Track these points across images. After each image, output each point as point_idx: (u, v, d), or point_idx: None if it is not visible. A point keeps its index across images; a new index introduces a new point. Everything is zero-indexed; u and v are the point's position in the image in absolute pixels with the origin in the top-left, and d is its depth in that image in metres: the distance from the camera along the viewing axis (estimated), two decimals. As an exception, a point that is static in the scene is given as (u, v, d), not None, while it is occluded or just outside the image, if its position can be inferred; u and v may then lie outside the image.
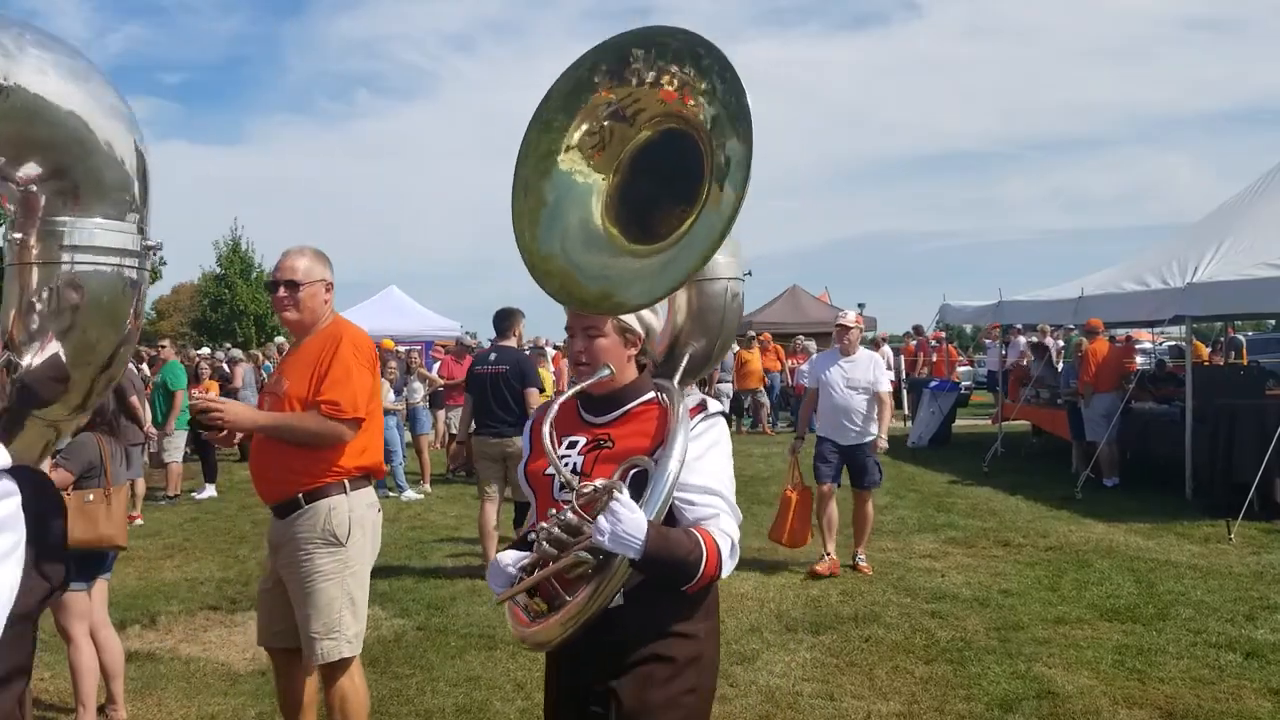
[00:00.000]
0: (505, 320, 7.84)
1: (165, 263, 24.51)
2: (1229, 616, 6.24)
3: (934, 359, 19.60)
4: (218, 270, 34.05)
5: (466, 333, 18.87)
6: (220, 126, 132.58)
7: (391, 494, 11.51)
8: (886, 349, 19.09)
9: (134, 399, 9.59)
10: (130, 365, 11.48)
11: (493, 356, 7.72)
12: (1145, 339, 19.61)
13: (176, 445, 11.67)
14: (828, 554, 7.61)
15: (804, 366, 13.46)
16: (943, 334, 19.68)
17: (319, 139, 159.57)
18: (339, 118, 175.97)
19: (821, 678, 5.29)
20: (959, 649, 5.71)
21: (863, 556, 7.72)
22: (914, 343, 21.50)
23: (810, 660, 5.57)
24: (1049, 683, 5.13)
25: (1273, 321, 24.81)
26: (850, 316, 7.90)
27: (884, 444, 7.62)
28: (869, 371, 7.54)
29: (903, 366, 21.49)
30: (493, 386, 7.54)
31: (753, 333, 19.30)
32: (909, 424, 17.25)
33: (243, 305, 31.69)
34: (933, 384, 16.94)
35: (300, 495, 3.65)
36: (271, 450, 3.68)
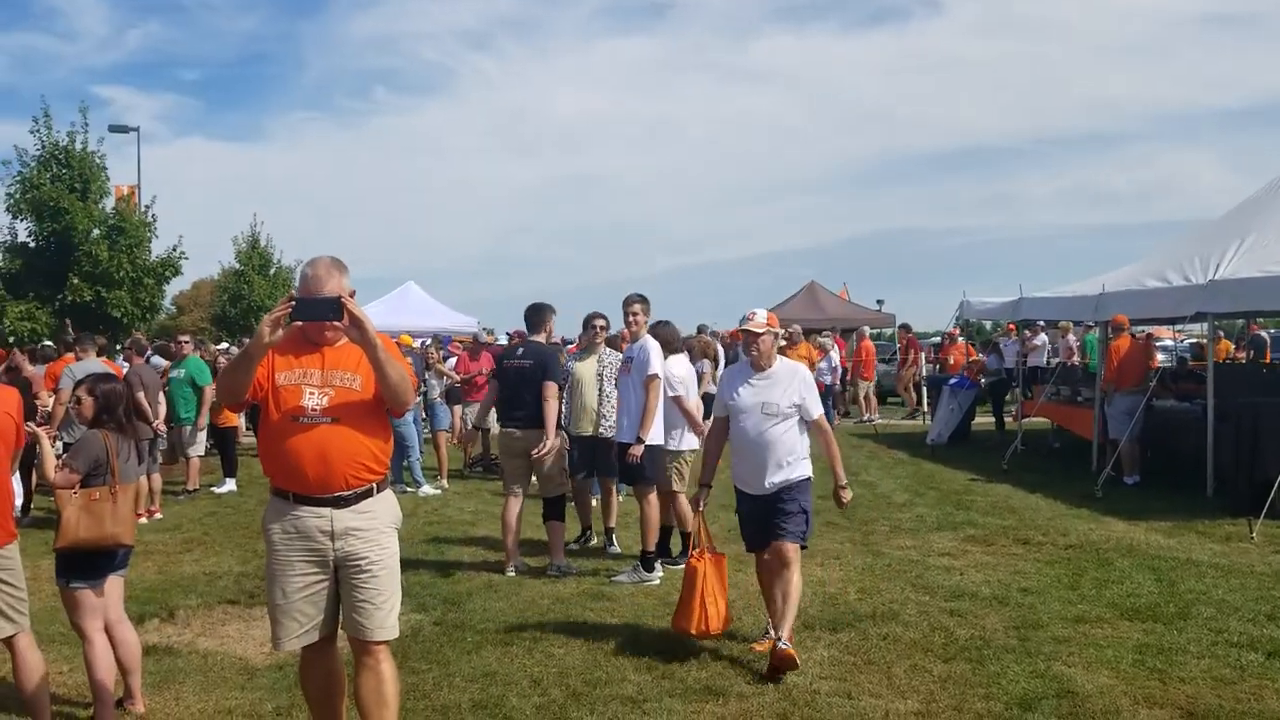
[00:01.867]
0: (536, 316, 7.86)
1: (186, 257, 24.66)
2: (1251, 616, 6.19)
3: (950, 359, 19.57)
4: (237, 266, 34.22)
5: (483, 328, 18.86)
6: (239, 123, 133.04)
7: (409, 489, 11.53)
8: (826, 343, 18.88)
9: (141, 395, 9.68)
10: (145, 360, 11.54)
11: (520, 351, 7.77)
12: (1166, 336, 19.49)
13: (197, 440, 11.71)
14: (772, 627, 5.53)
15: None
16: (958, 331, 19.61)
17: (337, 135, 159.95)
18: (357, 114, 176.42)
19: (839, 676, 5.26)
20: (978, 647, 5.67)
21: (787, 640, 5.30)
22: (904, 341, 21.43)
23: (828, 658, 5.54)
24: (1069, 682, 5.09)
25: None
26: (760, 317, 5.56)
27: (846, 494, 5.62)
28: (791, 390, 5.50)
29: (923, 364, 21.49)
30: (518, 381, 7.60)
31: (796, 327, 19.18)
32: (927, 421, 17.22)
33: (260, 301, 31.76)
34: (952, 381, 16.89)
35: (374, 485, 3.82)
36: (340, 440, 3.71)
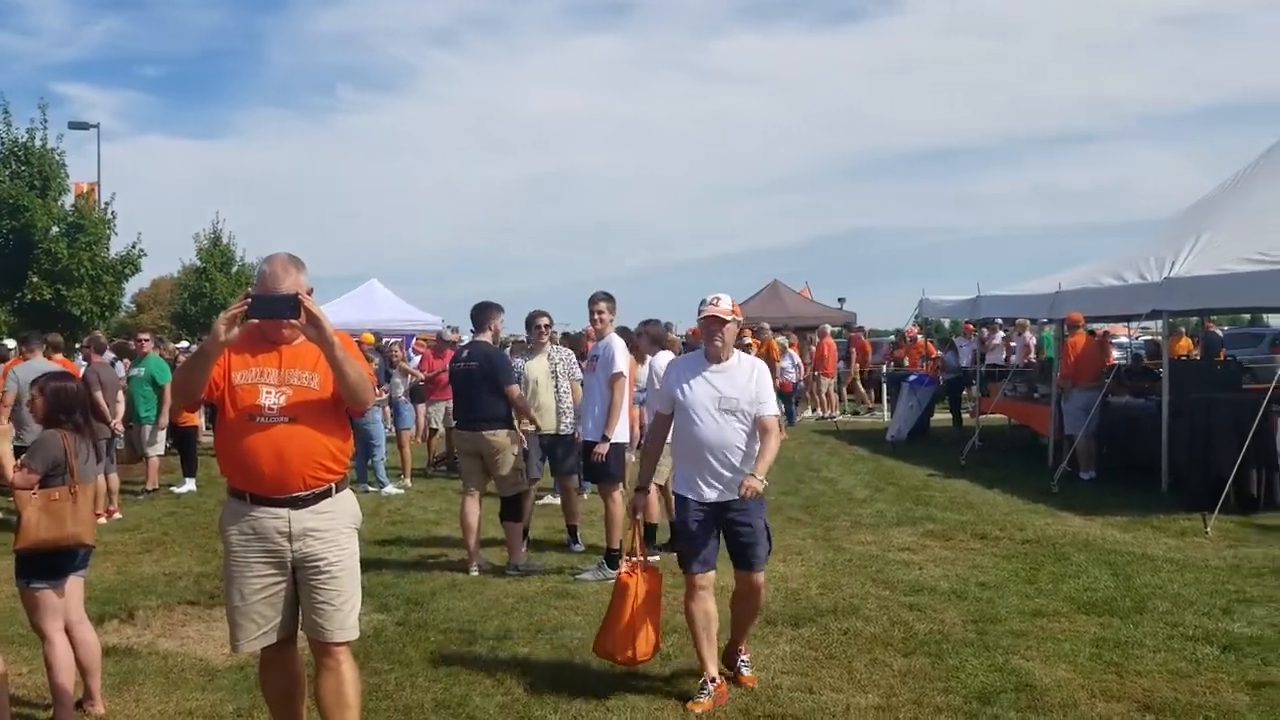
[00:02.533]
0: (481, 315, 7.85)
1: (145, 255, 24.40)
2: (1206, 610, 6.29)
3: (905, 358, 19.83)
4: (198, 264, 33.88)
5: (448, 326, 18.76)
6: (201, 120, 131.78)
7: (372, 489, 11.48)
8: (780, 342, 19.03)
9: (99, 394, 9.56)
10: (104, 359, 11.41)
11: (466, 353, 7.79)
12: (1122, 334, 19.74)
13: (157, 439, 11.60)
14: (710, 680, 4.91)
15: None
16: (916, 330, 19.79)
17: (301, 133, 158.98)
18: (321, 111, 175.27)
19: (800, 670, 5.30)
20: (937, 641, 5.74)
21: (747, 657, 5.21)
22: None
23: (789, 653, 5.58)
24: (1027, 675, 5.16)
25: (1247, 316, 24.97)
26: (724, 303, 4.98)
27: (758, 484, 4.73)
28: (751, 386, 4.94)
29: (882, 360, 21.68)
30: (466, 382, 7.60)
31: (765, 325, 19.39)
32: (887, 417, 17.38)
33: (222, 299, 31.45)
34: (911, 378, 17.06)
35: (333, 485, 3.79)
36: (297, 440, 3.68)
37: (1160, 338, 12.74)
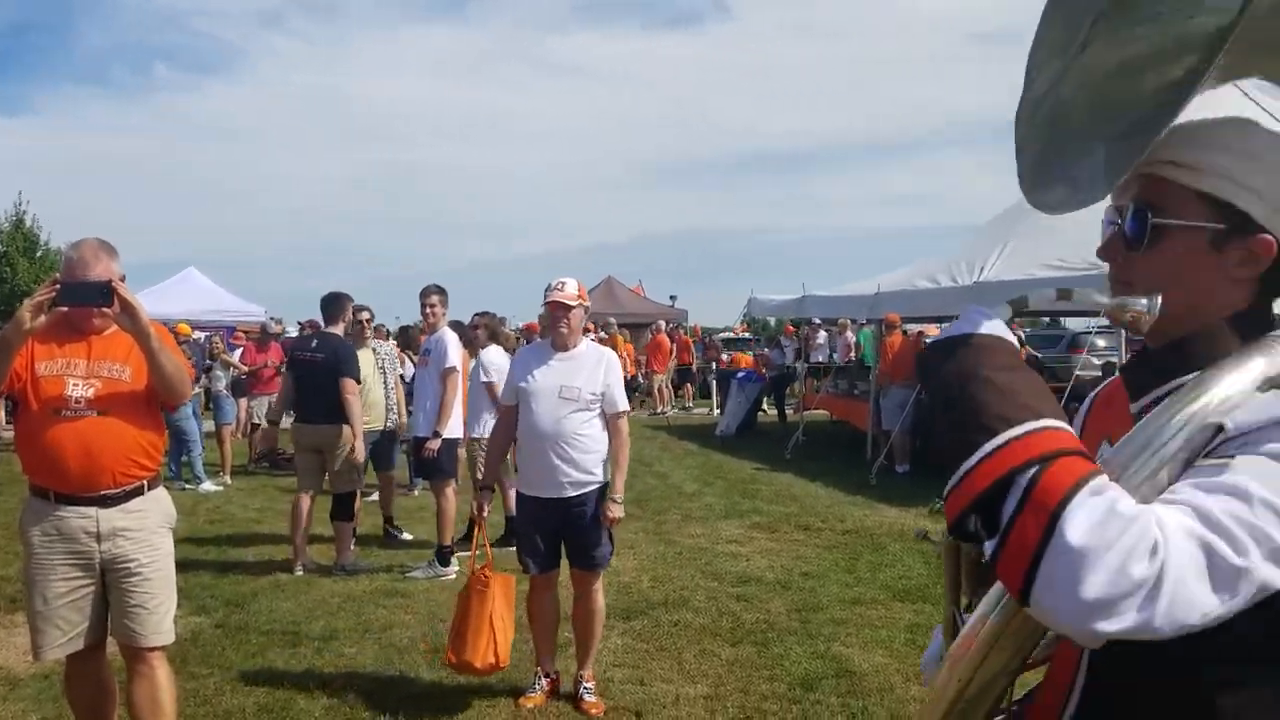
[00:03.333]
0: (333, 306, 7.64)
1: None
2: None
3: (725, 356, 20.41)
4: (-1, 248, 31.83)
5: (271, 318, 18.14)
6: (3, 96, 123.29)
7: (189, 486, 11.01)
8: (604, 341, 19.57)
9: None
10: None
11: (314, 343, 7.56)
12: (935, 334, 20.75)
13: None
14: (543, 675, 4.96)
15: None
16: (744, 328, 20.35)
17: (115, 112, 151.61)
18: (137, 91, 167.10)
19: (632, 663, 5.37)
20: (763, 631, 5.91)
21: (591, 684, 4.88)
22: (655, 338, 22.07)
23: (621, 646, 5.65)
24: (847, 662, 5.37)
25: (1047, 319, 26.54)
26: (570, 288, 4.76)
27: (618, 511, 4.76)
28: (598, 375, 4.75)
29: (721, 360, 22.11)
30: (309, 374, 7.38)
31: (611, 320, 19.65)
32: (717, 413, 17.76)
33: (25, 286, 29.54)
34: (740, 374, 17.48)
35: (145, 482, 3.64)
36: (107, 435, 3.51)
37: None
